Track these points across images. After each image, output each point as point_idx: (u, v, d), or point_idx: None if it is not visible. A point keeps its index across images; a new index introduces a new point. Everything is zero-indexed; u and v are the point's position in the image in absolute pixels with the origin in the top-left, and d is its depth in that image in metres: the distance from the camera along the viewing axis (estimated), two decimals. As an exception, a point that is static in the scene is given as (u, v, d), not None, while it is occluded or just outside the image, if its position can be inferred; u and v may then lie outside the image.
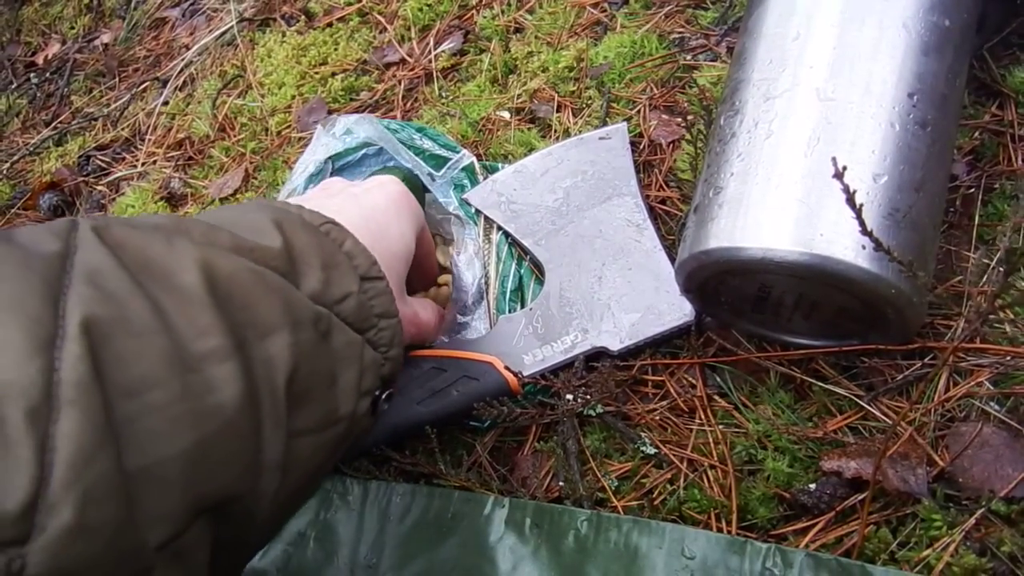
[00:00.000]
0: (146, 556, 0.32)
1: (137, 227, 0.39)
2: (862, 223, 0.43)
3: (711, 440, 0.60)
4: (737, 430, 0.60)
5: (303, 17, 1.19)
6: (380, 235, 0.53)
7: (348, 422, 0.45)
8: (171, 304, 0.35)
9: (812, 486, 0.55)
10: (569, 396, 0.63)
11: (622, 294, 0.68)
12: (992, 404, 0.54)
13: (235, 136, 1.09)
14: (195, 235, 0.41)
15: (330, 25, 1.15)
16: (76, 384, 0.30)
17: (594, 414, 0.63)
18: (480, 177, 0.79)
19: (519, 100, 0.89)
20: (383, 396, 0.50)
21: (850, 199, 0.42)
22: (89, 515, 0.29)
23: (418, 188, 0.75)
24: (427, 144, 0.78)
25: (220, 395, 0.35)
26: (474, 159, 0.79)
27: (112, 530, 0.30)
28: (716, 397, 0.62)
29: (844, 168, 0.41)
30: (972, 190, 0.64)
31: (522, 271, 0.74)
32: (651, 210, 0.73)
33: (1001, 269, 0.43)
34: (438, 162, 0.78)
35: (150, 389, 0.33)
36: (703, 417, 0.61)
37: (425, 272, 0.68)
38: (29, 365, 0.30)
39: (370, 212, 0.54)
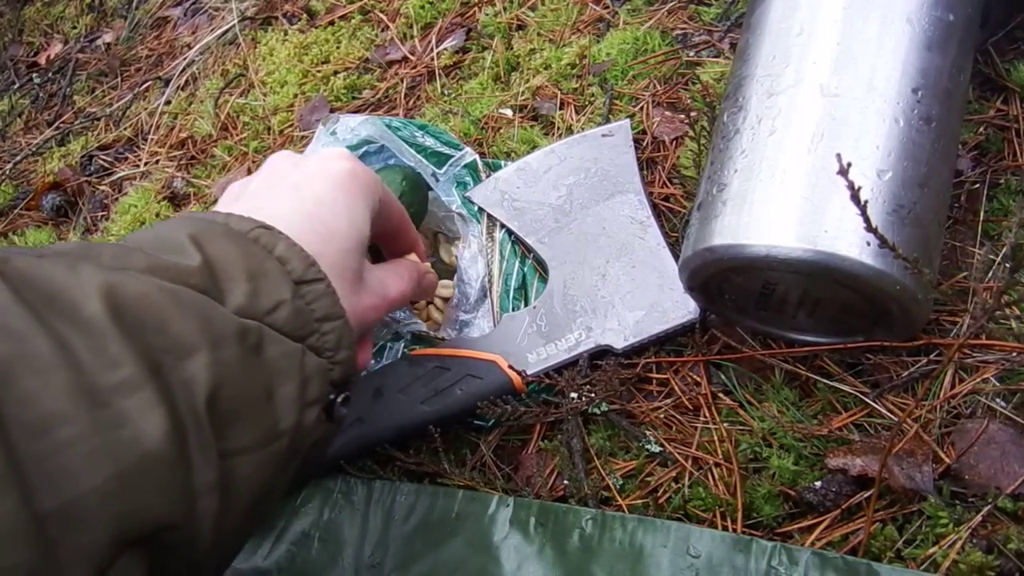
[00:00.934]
0: None
1: (41, 256, 0.38)
2: (867, 220, 0.43)
3: (716, 438, 0.60)
4: (742, 428, 0.60)
5: (305, 16, 1.19)
6: (324, 231, 0.49)
7: (292, 435, 0.43)
8: (77, 337, 0.34)
9: (818, 484, 0.54)
10: (573, 394, 0.63)
11: (626, 292, 0.68)
12: (998, 401, 0.54)
13: (237, 135, 1.08)
14: (104, 260, 0.39)
15: (332, 23, 1.15)
16: None
17: (598, 412, 0.63)
18: (483, 175, 0.79)
19: (522, 97, 0.89)
20: (339, 401, 0.47)
21: (854, 195, 0.42)
22: None
23: (421, 187, 0.75)
24: (429, 142, 0.78)
25: (136, 426, 0.34)
26: (476, 156, 0.79)
27: (27, 572, 0.29)
28: (721, 395, 0.62)
29: (848, 164, 0.41)
30: (977, 186, 0.64)
31: (525, 269, 0.73)
32: (655, 207, 0.72)
33: (1007, 265, 0.42)
34: (440, 160, 0.77)
35: (58, 426, 0.32)
36: (708, 415, 0.61)
37: (402, 243, 0.64)
38: None
39: (312, 207, 0.50)
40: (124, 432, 0.34)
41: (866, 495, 0.53)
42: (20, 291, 0.34)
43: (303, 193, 0.51)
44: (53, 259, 0.38)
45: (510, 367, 0.64)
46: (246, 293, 0.42)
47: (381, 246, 0.64)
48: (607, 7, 0.94)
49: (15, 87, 1.48)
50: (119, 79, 1.35)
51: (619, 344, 0.66)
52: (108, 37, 1.45)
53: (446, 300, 0.75)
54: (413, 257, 0.65)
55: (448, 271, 0.78)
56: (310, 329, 0.45)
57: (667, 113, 0.80)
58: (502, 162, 0.80)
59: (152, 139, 1.18)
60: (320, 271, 0.46)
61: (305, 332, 0.44)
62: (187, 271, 0.41)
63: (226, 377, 0.39)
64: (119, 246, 0.41)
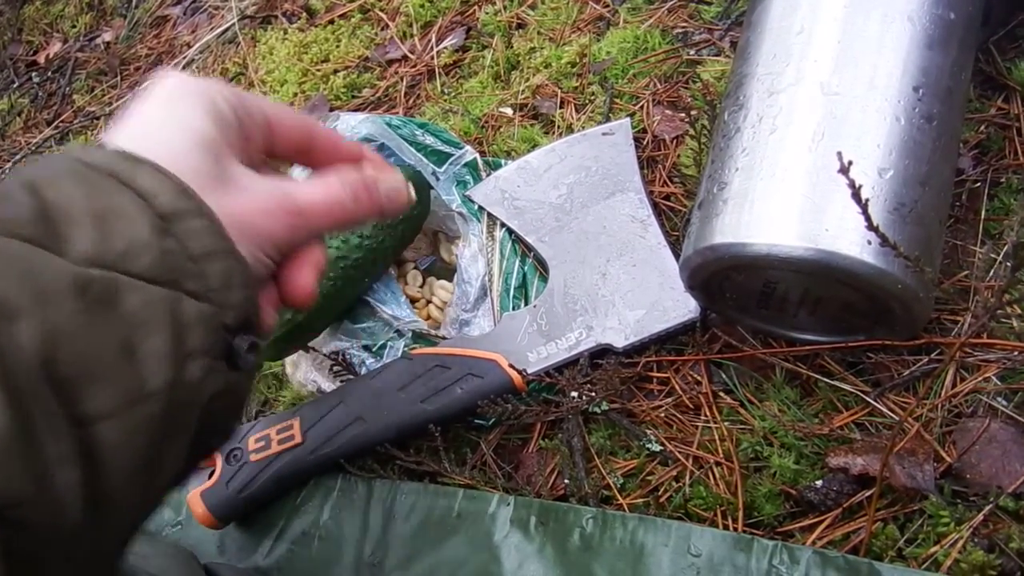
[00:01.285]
0: None
1: None
2: (868, 218, 0.43)
3: (717, 437, 0.60)
4: (743, 427, 0.60)
5: (304, 14, 1.19)
6: (155, 145, 0.42)
7: (167, 394, 0.37)
8: None
9: (819, 483, 0.54)
10: (574, 393, 0.63)
11: (626, 290, 0.68)
12: (999, 400, 0.54)
13: (237, 134, 1.08)
14: None
15: (331, 22, 1.15)
16: None
17: (599, 411, 0.63)
18: (483, 173, 0.78)
19: (522, 96, 0.89)
20: (245, 346, 0.41)
21: (856, 194, 0.42)
22: None
23: (424, 187, 0.75)
24: (429, 140, 0.78)
25: None
26: (477, 155, 0.79)
27: None
28: (721, 394, 0.62)
29: (850, 163, 0.41)
30: (978, 184, 0.64)
31: (526, 268, 0.73)
32: (655, 206, 0.72)
33: (1008, 264, 0.42)
34: (440, 158, 0.77)
35: None
36: (708, 414, 0.61)
37: (325, 151, 0.52)
38: None
39: (142, 118, 0.44)
40: None
41: (867, 494, 0.53)
42: None
43: (139, 115, 0.44)
44: None
45: (510, 366, 0.64)
46: (92, 239, 0.37)
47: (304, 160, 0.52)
48: (607, 6, 0.94)
49: (14, 86, 1.48)
50: (119, 78, 1.34)
51: (620, 343, 0.65)
52: (108, 36, 1.45)
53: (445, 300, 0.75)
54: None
55: (448, 270, 0.78)
56: (185, 271, 0.39)
57: (667, 112, 0.80)
58: (502, 161, 0.80)
59: (152, 138, 1.18)
60: (195, 201, 0.40)
61: (178, 275, 0.38)
62: (14, 222, 0.36)
63: (63, 337, 0.34)
64: None
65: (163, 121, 0.43)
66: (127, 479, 0.37)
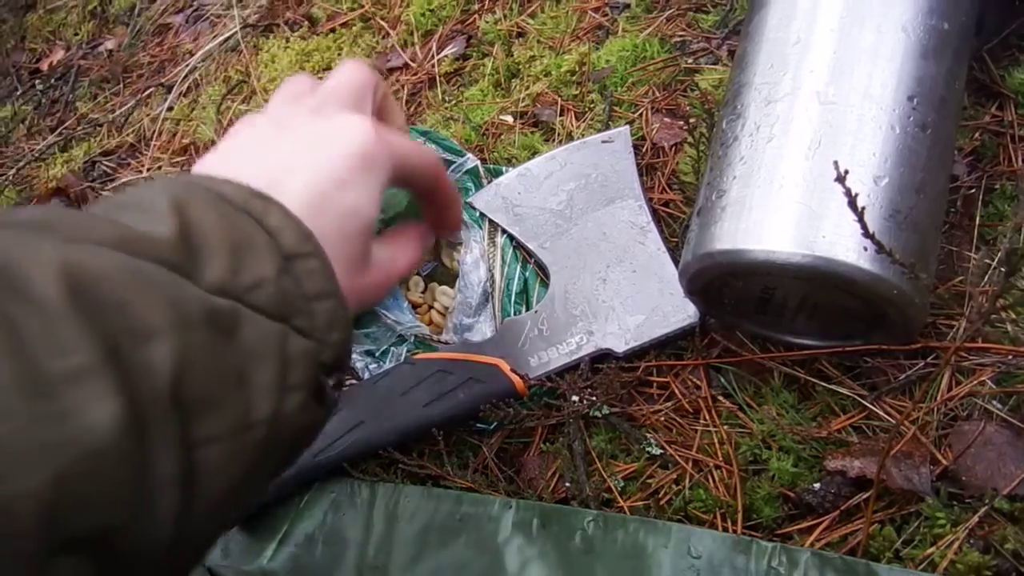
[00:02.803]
0: None
1: (5, 225, 0.35)
2: (864, 226, 0.43)
3: (716, 440, 0.60)
4: (742, 430, 0.61)
5: (306, 23, 1.20)
6: (332, 210, 0.45)
7: (269, 424, 0.39)
8: (25, 319, 0.31)
9: (816, 485, 0.55)
10: (575, 397, 0.64)
11: (626, 296, 0.68)
12: (995, 403, 0.55)
13: (240, 141, 1.09)
14: (67, 230, 0.36)
15: (333, 31, 1.16)
16: None
17: (600, 415, 0.64)
18: (484, 181, 0.79)
19: (522, 104, 0.90)
20: (332, 384, 0.43)
21: (851, 202, 0.42)
22: None
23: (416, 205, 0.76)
24: (431, 148, 0.79)
25: (85, 419, 0.31)
26: (478, 163, 0.80)
27: None
28: (721, 398, 0.63)
29: (846, 172, 0.42)
30: (973, 190, 0.65)
31: (527, 274, 0.74)
32: (654, 213, 0.73)
33: (1003, 269, 0.43)
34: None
35: None
36: (708, 418, 0.62)
37: (436, 200, 0.57)
38: None
39: (324, 178, 0.46)
40: (70, 427, 0.31)
41: (864, 496, 0.53)
42: None
43: (322, 173, 0.47)
44: (12, 229, 0.34)
45: (512, 370, 0.65)
46: (227, 268, 0.38)
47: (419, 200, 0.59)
48: (606, 15, 0.95)
49: (18, 93, 1.49)
50: (121, 85, 1.35)
51: (620, 348, 0.66)
52: (110, 44, 1.46)
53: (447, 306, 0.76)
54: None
55: (450, 276, 0.79)
56: (296, 308, 0.41)
57: (666, 119, 0.81)
58: (503, 168, 0.81)
59: (154, 145, 1.19)
60: (315, 245, 0.42)
61: (290, 311, 0.40)
62: (159, 243, 0.37)
63: (193, 362, 0.35)
64: (88, 215, 0.38)
65: (344, 192, 0.46)
66: (213, 505, 0.38)
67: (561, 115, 0.87)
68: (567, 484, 0.62)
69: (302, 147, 0.48)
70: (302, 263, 0.41)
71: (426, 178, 0.54)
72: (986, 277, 0.59)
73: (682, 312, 0.66)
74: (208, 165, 0.47)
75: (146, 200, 0.40)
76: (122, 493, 0.32)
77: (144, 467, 0.33)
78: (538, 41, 0.96)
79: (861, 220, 0.43)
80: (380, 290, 0.50)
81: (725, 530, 0.56)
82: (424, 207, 0.57)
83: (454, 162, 0.79)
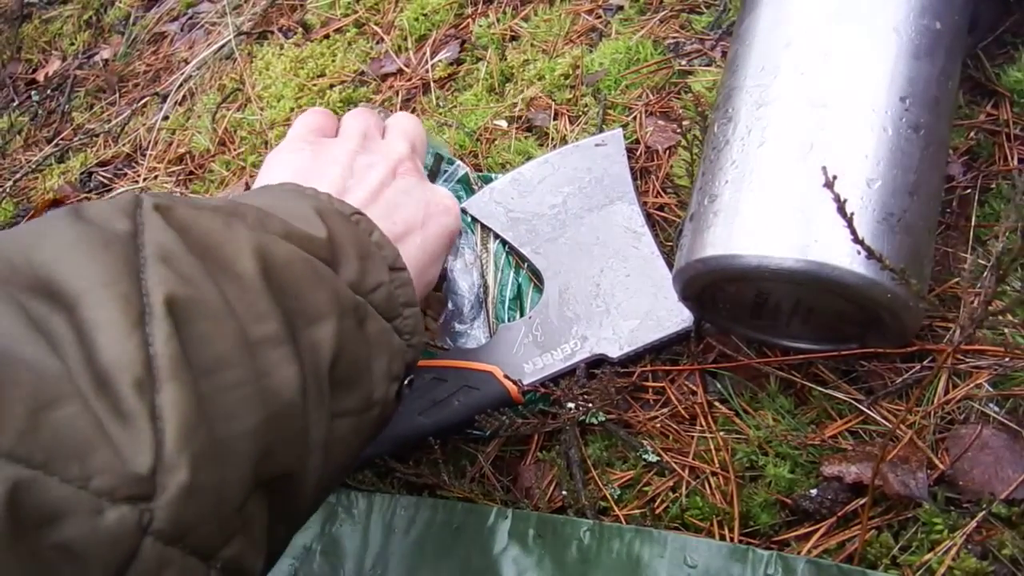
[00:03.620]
0: (234, 519, 0.35)
1: (198, 208, 0.40)
2: (854, 232, 0.43)
3: (712, 447, 0.60)
4: (738, 436, 0.60)
5: (300, 29, 1.20)
6: (425, 279, 0.57)
7: (381, 406, 0.47)
8: (232, 289, 0.37)
9: (813, 491, 0.55)
10: (570, 404, 0.63)
11: (621, 301, 0.68)
12: (991, 406, 0.54)
13: (235, 150, 1.09)
14: (249, 220, 0.42)
15: (327, 37, 1.16)
16: (170, 359, 0.33)
17: (596, 422, 0.63)
18: (475, 188, 0.79)
19: (516, 108, 0.90)
20: (406, 382, 0.51)
21: (841, 208, 0.42)
22: (199, 477, 0.32)
23: None
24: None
25: (277, 378, 0.37)
26: (469, 170, 0.79)
27: (214, 492, 0.33)
28: (717, 403, 0.63)
29: (835, 177, 0.42)
30: (968, 191, 0.64)
31: (520, 279, 0.74)
32: (648, 216, 0.73)
33: (996, 272, 0.43)
34: (431, 175, 0.78)
35: (224, 369, 0.35)
36: (704, 424, 0.61)
37: None
38: (128, 341, 0.32)
39: (429, 248, 0.58)
40: (271, 381, 0.37)
41: (861, 502, 0.53)
42: (185, 239, 0.37)
43: (429, 243, 0.58)
44: (208, 213, 0.40)
45: (507, 377, 0.65)
46: (357, 271, 0.46)
47: None
48: (599, 17, 0.94)
49: (14, 104, 1.49)
50: (117, 95, 1.35)
51: (615, 353, 0.66)
52: (106, 53, 1.46)
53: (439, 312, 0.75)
54: None
55: (441, 281, 0.78)
56: (396, 312, 0.49)
57: (660, 122, 0.80)
58: (493, 175, 0.81)
59: (150, 155, 1.19)
60: (404, 261, 0.50)
61: (393, 314, 0.48)
62: (318, 243, 0.44)
63: (344, 345, 0.42)
64: (259, 209, 0.44)
65: (435, 264, 0.60)
66: (337, 471, 0.45)
67: (555, 119, 0.86)
68: (563, 493, 0.61)
69: (418, 212, 0.59)
70: (399, 275, 0.50)
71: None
72: (980, 279, 0.59)
73: (677, 317, 0.65)
74: (327, 183, 0.55)
75: (292, 206, 0.47)
76: (300, 445, 0.39)
77: (307, 428, 0.40)
78: (532, 45, 0.96)
79: (851, 225, 0.43)
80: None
81: (722, 538, 0.56)
82: None
83: (445, 171, 0.78)
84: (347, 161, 0.59)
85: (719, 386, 0.63)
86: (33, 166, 1.31)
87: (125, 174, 1.20)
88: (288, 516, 0.41)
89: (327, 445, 0.42)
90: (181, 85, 1.26)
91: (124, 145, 1.24)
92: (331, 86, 1.08)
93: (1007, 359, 0.55)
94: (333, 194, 0.51)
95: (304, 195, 0.49)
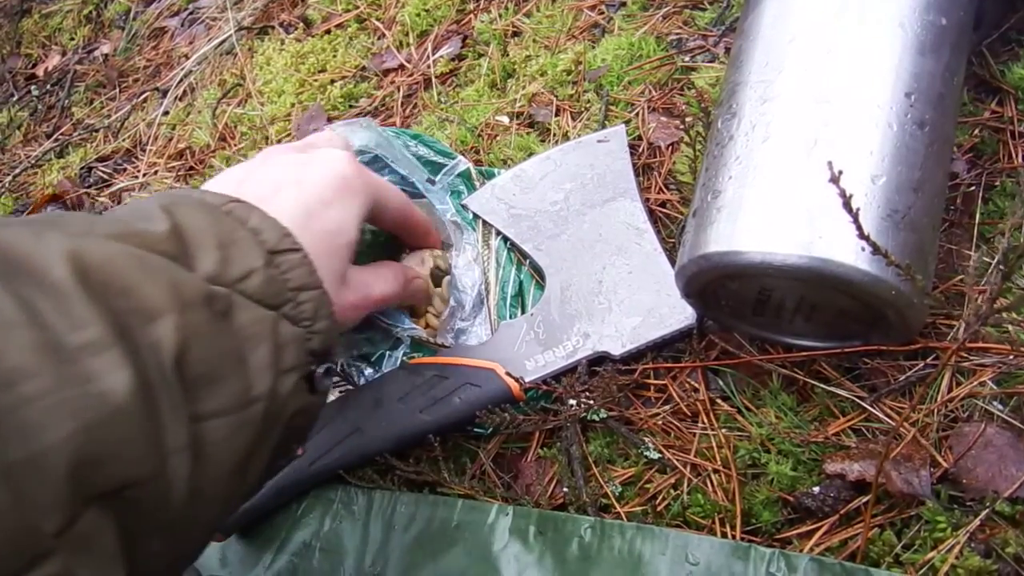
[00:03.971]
0: (43, 541, 0.32)
1: (6, 225, 0.39)
2: (859, 227, 0.43)
3: (714, 444, 0.60)
4: (740, 434, 0.60)
5: (301, 25, 1.19)
6: (319, 229, 0.52)
7: (267, 401, 0.43)
8: (42, 299, 0.35)
9: (816, 489, 0.54)
10: (572, 401, 0.63)
11: (623, 298, 0.68)
12: (995, 404, 0.54)
13: (236, 145, 1.09)
14: (72, 227, 0.40)
15: (328, 32, 1.16)
16: None
17: (597, 419, 0.63)
18: (476, 183, 0.79)
19: (518, 104, 0.89)
20: (322, 372, 0.48)
21: (847, 203, 0.42)
22: None
23: (419, 198, 0.75)
24: (423, 151, 0.78)
25: (103, 382, 0.35)
26: (470, 165, 0.79)
27: (10, 515, 0.31)
28: (719, 401, 0.62)
29: (840, 172, 0.41)
30: (973, 188, 0.64)
31: (522, 276, 0.74)
32: (651, 213, 0.72)
33: (1001, 269, 0.43)
34: (434, 168, 0.78)
35: (23, 381, 0.33)
36: (706, 421, 0.61)
37: (411, 236, 0.70)
38: None
39: (313, 206, 0.53)
40: (91, 388, 0.34)
41: (864, 500, 0.53)
42: None
43: (305, 191, 0.54)
44: (17, 227, 0.38)
45: (508, 375, 0.64)
46: (216, 260, 0.43)
47: (400, 237, 0.70)
48: (602, 13, 0.94)
49: (13, 99, 1.48)
50: (117, 90, 1.35)
51: (616, 350, 0.66)
52: (106, 48, 1.45)
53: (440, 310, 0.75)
54: (417, 259, 0.70)
55: (442, 278, 0.78)
56: (284, 298, 0.45)
57: (663, 119, 0.80)
58: (496, 170, 0.80)
59: (151, 150, 1.18)
60: (295, 242, 0.47)
61: (279, 300, 0.45)
62: (155, 238, 0.42)
63: (194, 340, 0.39)
64: (88, 216, 0.42)
65: (329, 213, 0.54)
66: (222, 475, 0.42)
67: (557, 115, 0.86)
68: (564, 490, 0.61)
69: (289, 172, 0.55)
70: (285, 257, 0.46)
71: (398, 214, 0.64)
72: (985, 276, 0.58)
73: (679, 314, 0.65)
74: (201, 188, 0.52)
75: (140, 207, 0.45)
76: (139, 452, 0.36)
77: (157, 431, 0.37)
78: (534, 41, 0.95)
79: (856, 221, 0.43)
80: (356, 312, 0.57)
81: (724, 535, 0.55)
82: (403, 239, 0.67)
83: (446, 165, 0.78)
84: (277, 159, 0.57)
85: (721, 383, 0.63)
86: (32, 161, 1.30)
87: (125, 169, 1.19)
88: (157, 528, 0.39)
89: (194, 448, 0.39)
90: (181, 80, 1.26)
91: (124, 140, 1.23)
92: (332, 81, 1.08)
93: (1011, 357, 0.54)
94: (231, 189, 0.49)
95: (165, 195, 0.47)
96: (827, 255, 0.49)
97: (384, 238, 0.71)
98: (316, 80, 1.09)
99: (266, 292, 0.44)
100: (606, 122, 0.82)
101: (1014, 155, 0.64)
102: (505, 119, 0.89)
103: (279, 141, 1.05)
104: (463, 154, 0.83)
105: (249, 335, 0.43)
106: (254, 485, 0.48)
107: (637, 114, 0.81)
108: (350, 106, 1.04)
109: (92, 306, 0.36)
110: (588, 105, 0.85)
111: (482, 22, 1.01)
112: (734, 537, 0.55)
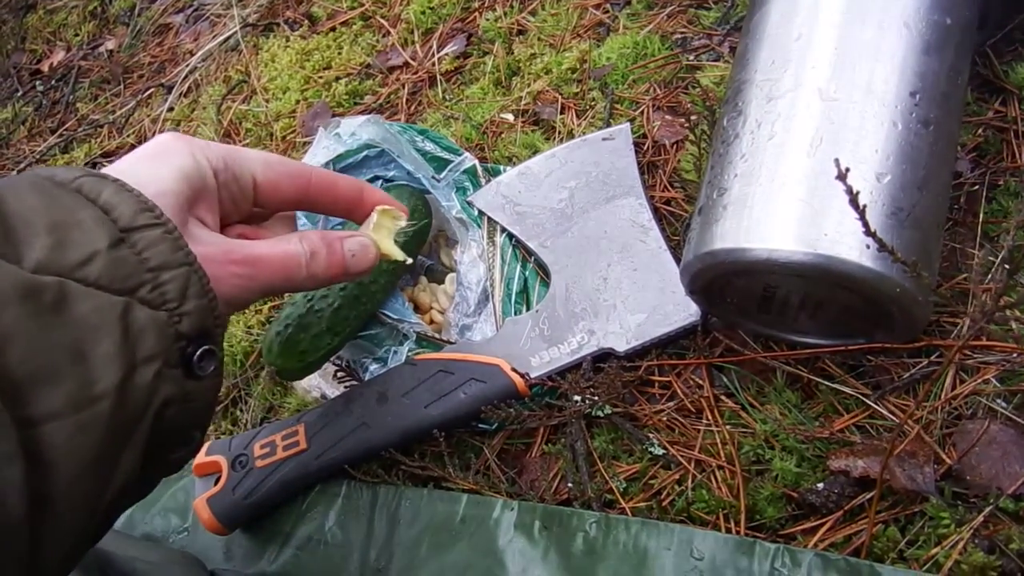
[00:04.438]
0: None
1: None
2: (866, 224, 0.43)
3: (719, 440, 0.60)
4: (744, 430, 0.60)
5: (306, 22, 1.20)
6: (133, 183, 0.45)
7: (116, 397, 0.39)
8: None
9: (820, 485, 0.55)
10: (577, 397, 0.63)
11: (628, 295, 0.68)
12: (999, 401, 0.54)
13: (240, 141, 1.09)
14: None
15: (333, 29, 1.16)
16: None
17: (602, 415, 0.64)
18: (482, 179, 0.79)
19: (523, 102, 0.89)
20: (198, 354, 0.43)
21: (853, 200, 0.42)
22: None
23: (428, 203, 0.76)
24: (429, 147, 0.78)
25: None
26: (476, 162, 0.79)
27: None
28: (723, 397, 0.63)
29: (847, 169, 0.42)
30: (976, 187, 0.64)
31: (527, 273, 0.74)
32: (656, 211, 0.73)
33: (1006, 267, 0.43)
34: (440, 164, 0.78)
35: None
36: (710, 417, 0.61)
37: (340, 201, 0.57)
38: None
39: (123, 166, 0.47)
40: None
41: (868, 496, 0.53)
42: None
43: (123, 164, 0.48)
44: None
45: (513, 370, 0.65)
46: (46, 246, 0.38)
47: (325, 209, 0.58)
48: (607, 11, 0.94)
49: (18, 95, 1.49)
50: (122, 86, 1.35)
51: (621, 347, 0.66)
52: (111, 44, 1.46)
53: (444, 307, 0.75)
54: (366, 224, 0.57)
55: (448, 275, 0.78)
56: (139, 280, 0.40)
57: (667, 117, 0.80)
58: (502, 167, 0.81)
59: (155, 146, 1.19)
60: (158, 216, 0.42)
61: (132, 284, 0.40)
62: None
63: (13, 337, 0.36)
64: None
65: (144, 171, 0.47)
66: (73, 481, 0.37)
67: (562, 113, 0.86)
68: (569, 485, 0.61)
69: (125, 159, 0.49)
70: (142, 235, 0.41)
71: (280, 184, 0.54)
72: (989, 275, 0.59)
73: (684, 311, 0.65)
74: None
75: None
76: None
77: None
78: (539, 39, 0.96)
79: (863, 218, 0.43)
80: (213, 266, 0.46)
81: (728, 531, 0.56)
82: (328, 208, 0.57)
83: (451, 161, 0.78)
84: None
85: (726, 380, 0.63)
86: (37, 156, 1.31)
87: (130, 165, 1.19)
88: (3, 536, 0.36)
89: (30, 456, 0.35)
90: (186, 77, 1.26)
91: (128, 136, 1.24)
92: (337, 78, 1.08)
93: (1015, 355, 0.55)
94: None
95: (11, 177, 0.42)
96: (832, 252, 0.49)
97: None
98: (321, 77, 1.09)
99: (113, 276, 0.40)
100: (611, 120, 0.82)
101: (1018, 154, 0.64)
102: (510, 117, 0.89)
103: (284, 138, 1.05)
104: (468, 151, 0.83)
105: (89, 326, 0.38)
106: (126, 494, 0.43)
107: (642, 112, 0.81)
108: (355, 103, 1.04)
109: None
110: (593, 103, 0.86)
111: (487, 20, 1.01)
112: (738, 533, 0.55)
